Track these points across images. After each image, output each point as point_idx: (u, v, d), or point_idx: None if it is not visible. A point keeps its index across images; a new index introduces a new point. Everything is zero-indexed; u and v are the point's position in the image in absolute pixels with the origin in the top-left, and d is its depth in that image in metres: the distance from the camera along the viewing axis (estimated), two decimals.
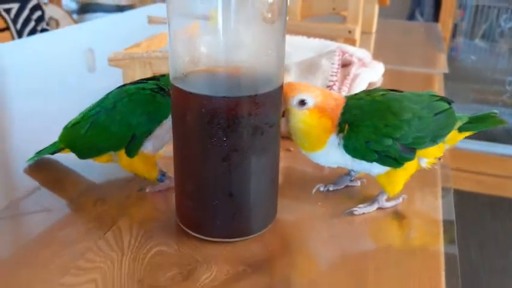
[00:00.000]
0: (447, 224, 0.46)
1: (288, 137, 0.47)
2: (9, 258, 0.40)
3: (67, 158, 0.53)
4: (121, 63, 0.66)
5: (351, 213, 0.46)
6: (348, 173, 0.51)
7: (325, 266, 0.40)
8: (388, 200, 0.48)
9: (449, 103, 0.48)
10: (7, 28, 1.32)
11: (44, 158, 0.55)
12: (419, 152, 0.46)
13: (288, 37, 0.93)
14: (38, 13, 1.40)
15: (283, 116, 0.44)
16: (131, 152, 0.47)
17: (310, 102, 0.43)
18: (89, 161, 0.50)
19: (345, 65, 0.74)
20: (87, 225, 0.44)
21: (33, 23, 1.38)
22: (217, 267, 0.39)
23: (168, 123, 0.45)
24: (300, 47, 0.83)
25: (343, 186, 0.51)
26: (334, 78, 0.64)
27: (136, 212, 0.46)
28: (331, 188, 0.50)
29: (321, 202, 0.48)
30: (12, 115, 0.73)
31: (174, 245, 0.41)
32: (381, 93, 0.47)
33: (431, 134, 0.46)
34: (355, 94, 0.48)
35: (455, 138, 0.49)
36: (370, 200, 0.48)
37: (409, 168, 0.47)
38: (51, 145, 0.53)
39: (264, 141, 0.40)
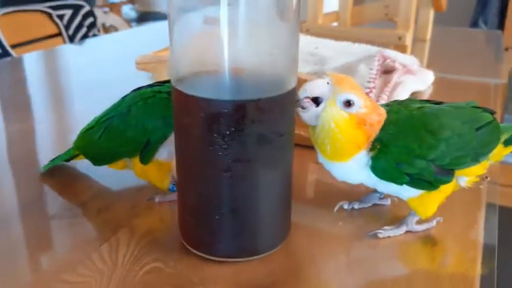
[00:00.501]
0: (487, 249, 0.40)
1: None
2: None
3: (82, 164, 0.51)
4: (148, 67, 0.64)
5: (375, 236, 0.41)
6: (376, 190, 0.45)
7: None
8: (419, 222, 0.42)
9: (492, 113, 0.42)
10: (59, 34, 1.35)
11: (60, 164, 0.53)
12: (459, 171, 0.40)
13: (331, 42, 0.88)
14: (90, 19, 1.43)
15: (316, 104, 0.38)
16: (145, 159, 0.44)
17: (357, 107, 0.38)
18: (104, 167, 0.48)
19: (388, 71, 0.68)
20: (86, 236, 0.41)
21: (85, 29, 1.41)
22: None
23: None
24: (342, 53, 0.78)
25: (370, 205, 0.45)
26: (372, 85, 0.59)
27: (139, 224, 0.42)
28: (356, 206, 0.45)
29: (342, 222, 0.43)
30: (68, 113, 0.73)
31: (172, 262, 0.38)
32: (417, 105, 0.41)
33: (473, 152, 0.40)
34: (390, 106, 0.41)
35: (500, 153, 0.43)
36: (399, 221, 0.42)
37: (445, 189, 0.41)
38: (66, 152, 0.51)
39: (272, 152, 0.35)
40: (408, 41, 1.00)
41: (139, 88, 0.46)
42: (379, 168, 0.39)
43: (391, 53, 0.69)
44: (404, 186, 0.40)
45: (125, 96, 0.46)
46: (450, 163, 0.39)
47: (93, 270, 0.36)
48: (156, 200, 0.46)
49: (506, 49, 1.31)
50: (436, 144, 0.38)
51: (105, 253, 0.38)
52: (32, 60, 1.01)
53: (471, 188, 0.42)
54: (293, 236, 0.40)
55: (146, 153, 0.43)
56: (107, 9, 2.60)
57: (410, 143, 0.38)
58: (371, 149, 0.39)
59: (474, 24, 1.98)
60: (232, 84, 0.33)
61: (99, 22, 1.50)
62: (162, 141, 0.43)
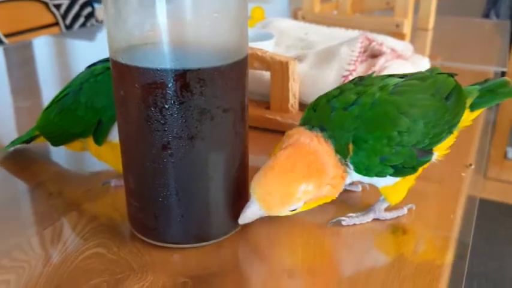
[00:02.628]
0: (461, 241, 0.37)
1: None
2: None
3: (44, 146, 0.49)
4: None
5: (339, 223, 0.38)
6: None
7: (290, 286, 0.32)
8: (388, 210, 0.39)
9: (452, 76, 0.39)
10: (56, 23, 1.34)
11: (23, 146, 0.51)
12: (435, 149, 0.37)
13: (323, 28, 0.85)
14: (88, 9, 1.41)
15: None
16: (98, 139, 0.41)
17: (300, 204, 0.34)
18: (63, 149, 0.46)
19: (375, 55, 0.65)
20: (30, 219, 0.39)
21: (83, 19, 1.39)
22: (153, 277, 0.32)
23: None
24: (332, 38, 0.75)
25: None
26: (351, 68, 0.55)
27: (90, 208, 0.40)
28: None
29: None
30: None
31: (115, 248, 0.35)
32: (379, 84, 0.36)
33: (447, 124, 0.37)
34: (345, 95, 0.36)
35: (467, 118, 0.40)
36: (367, 208, 0.39)
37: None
38: (27, 132, 0.49)
39: (217, 128, 0.32)
40: (406, 28, 0.96)
41: (94, 64, 0.43)
42: (362, 167, 0.35)
43: (378, 37, 0.65)
44: (387, 177, 0.36)
45: (79, 74, 0.43)
46: (430, 143, 0.36)
47: (29, 255, 0.34)
48: (112, 184, 0.43)
49: None
50: (412, 127, 0.35)
51: (46, 237, 0.36)
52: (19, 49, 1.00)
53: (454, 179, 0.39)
54: (250, 223, 0.37)
55: (99, 134, 0.41)
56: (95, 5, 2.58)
57: (388, 132, 0.34)
58: (343, 156, 0.35)
59: (486, 16, 1.92)
60: (171, 52, 0.30)
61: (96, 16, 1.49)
62: (114, 121, 0.40)
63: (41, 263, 0.33)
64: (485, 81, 0.42)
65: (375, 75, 0.40)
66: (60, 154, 0.49)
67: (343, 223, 0.38)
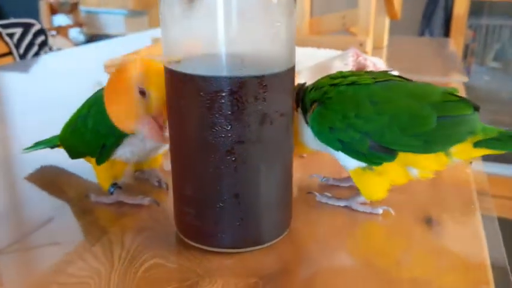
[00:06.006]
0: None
1: None
2: None
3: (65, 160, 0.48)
4: None
5: (312, 195, 0.43)
6: None
7: (352, 278, 0.34)
8: (365, 204, 0.41)
9: (475, 109, 0.38)
10: (10, 53, 1.30)
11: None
12: (407, 159, 0.38)
13: (297, 48, 0.88)
14: (41, 38, 1.38)
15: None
16: (100, 160, 0.42)
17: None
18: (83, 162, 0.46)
19: (359, 69, 0.69)
20: (72, 237, 0.38)
21: (37, 47, 1.36)
22: (223, 281, 0.33)
23: None
24: (310, 56, 0.78)
25: (347, 185, 0.46)
26: None
27: (129, 223, 0.40)
28: (330, 182, 0.46)
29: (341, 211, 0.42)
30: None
31: (172, 257, 0.35)
32: (383, 78, 0.39)
33: (424, 138, 0.37)
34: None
35: (468, 153, 0.38)
36: None
37: (390, 174, 0.39)
38: (52, 137, 0.50)
39: (275, 132, 0.34)
40: (369, 47, 1.02)
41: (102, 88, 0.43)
42: (314, 129, 0.39)
43: (363, 53, 0.70)
44: (341, 153, 0.39)
45: (91, 96, 0.44)
46: (391, 142, 0.37)
47: (87, 270, 0.34)
48: (92, 198, 0.43)
49: None
50: (375, 119, 0.36)
51: (98, 253, 0.36)
52: None
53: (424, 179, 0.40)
54: (294, 226, 0.39)
55: (102, 156, 0.42)
56: (54, 32, 2.53)
57: (347, 110, 0.37)
58: (305, 111, 0.40)
59: (421, 35, 2.06)
60: (233, 61, 0.32)
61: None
62: (118, 145, 0.42)
63: (104, 277, 0.33)
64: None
65: None
66: (81, 168, 0.48)
67: (317, 198, 0.42)
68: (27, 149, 0.51)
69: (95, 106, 0.42)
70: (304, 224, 0.40)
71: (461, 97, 0.39)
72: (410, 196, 0.44)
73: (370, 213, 0.41)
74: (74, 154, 0.46)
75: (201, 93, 0.32)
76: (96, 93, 0.44)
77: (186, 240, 0.37)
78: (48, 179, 0.49)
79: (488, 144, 0.38)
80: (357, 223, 0.40)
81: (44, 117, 0.68)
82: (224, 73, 0.31)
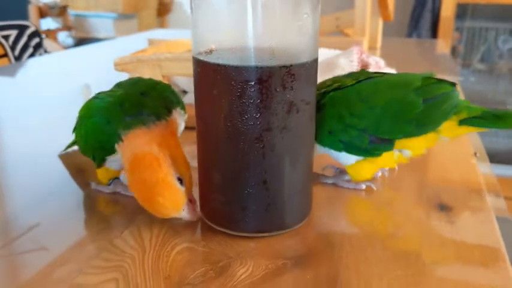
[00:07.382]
0: None
1: None
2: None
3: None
4: (128, 67, 0.62)
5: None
6: None
7: (375, 260, 0.36)
8: (349, 181, 0.45)
9: (453, 85, 0.41)
10: (5, 55, 1.30)
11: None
12: (400, 143, 0.41)
13: None
14: (36, 40, 1.38)
15: None
16: (96, 165, 0.43)
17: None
18: None
19: (363, 66, 0.71)
20: (99, 226, 0.39)
21: (32, 49, 1.36)
22: (254, 262, 0.34)
23: None
24: None
25: None
26: None
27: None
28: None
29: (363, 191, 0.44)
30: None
31: (201, 241, 0.37)
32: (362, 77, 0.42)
33: (416, 122, 0.39)
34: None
35: (453, 130, 0.41)
36: None
37: (380, 160, 0.42)
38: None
39: (300, 120, 0.36)
40: (365, 46, 1.04)
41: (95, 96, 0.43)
42: (317, 136, 0.40)
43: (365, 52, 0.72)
44: (343, 153, 0.41)
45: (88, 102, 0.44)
46: (387, 132, 0.40)
47: (120, 255, 0.35)
48: (92, 186, 0.45)
49: None
50: (367, 113, 0.39)
51: (129, 239, 0.37)
52: None
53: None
54: (314, 211, 0.41)
55: (97, 163, 0.42)
56: (43, 36, 2.51)
57: (341, 112, 0.40)
58: None
59: (409, 37, 2.10)
60: (262, 52, 0.33)
61: None
62: (106, 158, 0.41)
63: (138, 260, 0.34)
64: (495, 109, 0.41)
65: None
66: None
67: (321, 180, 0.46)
68: (65, 149, 0.53)
69: (84, 118, 0.42)
70: (324, 210, 0.41)
71: (439, 79, 0.42)
72: (422, 184, 0.46)
73: (354, 189, 0.44)
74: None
75: (232, 83, 0.33)
76: (88, 102, 0.43)
77: (212, 225, 0.38)
78: (71, 171, 0.49)
79: (473, 122, 0.40)
80: (373, 208, 0.42)
81: (32, 120, 0.69)
82: (254, 63, 0.33)
